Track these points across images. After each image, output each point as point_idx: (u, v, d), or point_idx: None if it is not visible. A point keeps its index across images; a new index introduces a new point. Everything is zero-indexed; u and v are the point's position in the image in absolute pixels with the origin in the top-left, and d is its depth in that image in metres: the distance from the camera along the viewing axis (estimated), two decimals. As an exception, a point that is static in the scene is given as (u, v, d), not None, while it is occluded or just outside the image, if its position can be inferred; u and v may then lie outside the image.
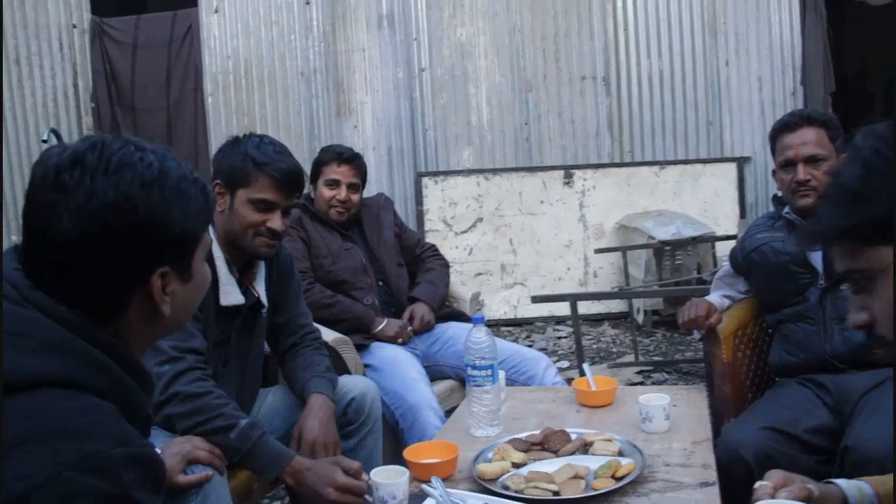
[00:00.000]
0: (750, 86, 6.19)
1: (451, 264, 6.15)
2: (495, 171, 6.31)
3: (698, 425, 2.21)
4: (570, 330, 5.92)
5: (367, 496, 1.91)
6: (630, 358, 4.94)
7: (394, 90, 6.46)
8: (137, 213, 1.08)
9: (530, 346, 5.53)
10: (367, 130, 6.53)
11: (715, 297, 2.64)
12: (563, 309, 5.93)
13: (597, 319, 6.10)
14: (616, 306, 5.92)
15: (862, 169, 0.99)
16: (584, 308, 6.06)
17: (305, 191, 3.29)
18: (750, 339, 2.59)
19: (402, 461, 2.00)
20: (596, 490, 1.80)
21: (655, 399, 2.20)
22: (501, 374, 2.53)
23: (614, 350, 5.38)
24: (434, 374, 3.04)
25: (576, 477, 1.85)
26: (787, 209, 2.50)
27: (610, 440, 2.04)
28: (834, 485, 1.26)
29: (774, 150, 2.50)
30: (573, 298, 3.44)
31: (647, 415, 2.18)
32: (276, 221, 2.23)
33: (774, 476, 1.25)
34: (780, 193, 2.56)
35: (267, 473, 2.02)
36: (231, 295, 2.24)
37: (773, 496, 1.22)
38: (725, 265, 2.75)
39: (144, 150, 1.13)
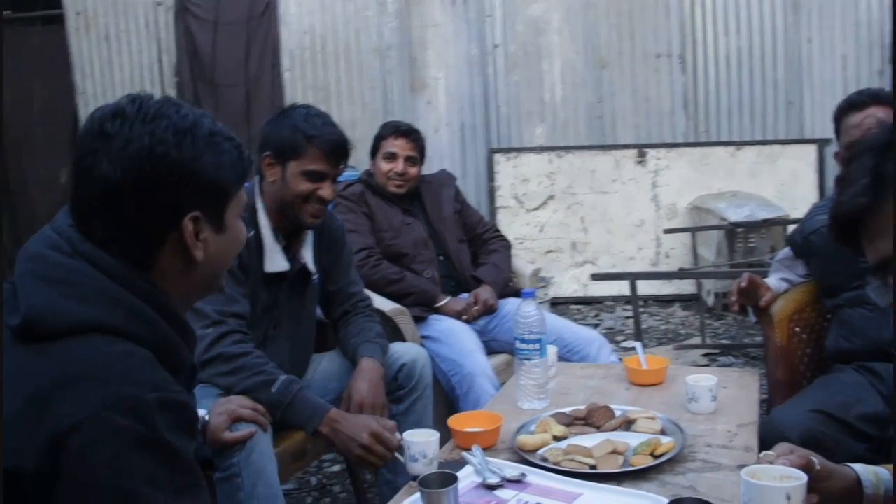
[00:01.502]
0: (833, 64, 6.01)
1: (521, 241, 6.24)
2: (567, 148, 6.28)
3: (746, 408, 2.20)
4: (640, 310, 5.89)
5: (397, 454, 2.01)
6: (697, 340, 4.89)
7: (467, 66, 6.47)
8: (170, 157, 1.16)
9: (597, 326, 5.55)
10: (440, 106, 6.57)
11: (773, 280, 2.60)
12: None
13: (667, 301, 6.04)
14: (687, 288, 5.85)
15: None
16: (655, 289, 6.02)
17: (366, 166, 3.37)
18: (808, 323, 2.55)
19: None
20: (633, 466, 1.82)
21: (703, 380, 2.20)
22: (552, 349, 2.56)
23: (682, 332, 5.32)
24: (490, 349, 3.08)
25: (614, 452, 1.87)
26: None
27: (653, 418, 2.05)
28: (849, 468, 1.25)
29: (839, 130, 2.43)
30: (632, 277, 3.43)
31: (694, 395, 2.17)
32: (326, 190, 2.31)
33: (781, 447, 1.25)
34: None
35: (307, 425, 2.12)
36: (275, 262, 2.32)
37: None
38: (786, 248, 2.70)
39: (181, 106, 1.21)
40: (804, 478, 1.18)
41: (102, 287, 1.13)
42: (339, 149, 2.33)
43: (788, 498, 1.16)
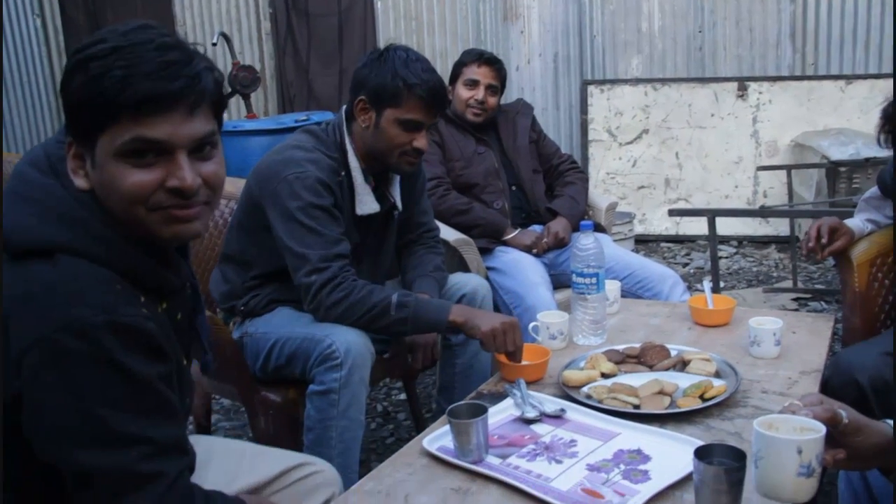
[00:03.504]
0: (961, -11, 5.53)
1: (613, 175, 6.09)
2: (664, 80, 6.04)
3: (813, 355, 2.09)
4: (733, 250, 5.70)
5: (535, 335, 2.21)
6: (789, 284, 4.69)
7: (562, -6, 6.27)
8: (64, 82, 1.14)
9: (686, 265, 5.39)
10: (533, 36, 6.40)
11: (857, 221, 2.45)
12: (727, 228, 5.70)
13: (763, 242, 5.81)
14: (784, 229, 5.60)
15: None
16: (751, 229, 5.81)
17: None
18: (891, 269, 2.39)
19: None
20: (678, 408, 1.75)
21: (767, 323, 2.10)
22: (613, 285, 2.49)
23: (774, 275, 5.12)
24: (559, 282, 3.02)
25: (660, 393, 1.81)
26: None
27: (708, 360, 1.97)
28: (887, 425, 1.16)
29: None
30: (711, 214, 3.28)
31: (756, 338, 2.08)
32: (421, 141, 2.25)
33: (809, 397, 1.16)
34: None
35: (438, 325, 2.15)
36: (366, 204, 2.30)
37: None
38: (874, 187, 2.53)
39: (114, 30, 1.14)
40: (822, 431, 1.09)
41: (69, 209, 1.14)
42: (439, 97, 2.25)
43: (800, 452, 1.08)
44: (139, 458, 1.11)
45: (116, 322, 1.08)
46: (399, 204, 2.42)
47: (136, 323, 1.10)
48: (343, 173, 2.26)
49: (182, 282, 1.31)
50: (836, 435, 1.14)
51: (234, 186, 2.73)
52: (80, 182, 1.16)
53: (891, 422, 1.16)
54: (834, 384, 1.95)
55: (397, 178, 2.42)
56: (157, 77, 1.10)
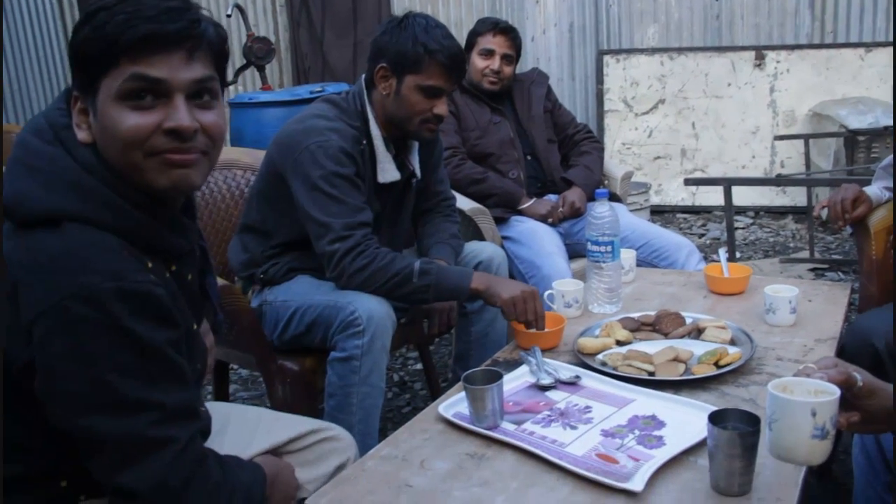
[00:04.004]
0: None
1: (629, 146, 6.06)
2: (681, 50, 5.99)
3: (829, 323, 2.08)
4: (750, 221, 5.67)
5: (552, 303, 2.23)
6: (805, 254, 4.67)
7: (578, -37, 6.21)
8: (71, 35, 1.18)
9: (703, 235, 5.37)
10: (548, 5, 6.35)
11: (875, 189, 2.43)
12: (743, 198, 5.67)
13: (781, 212, 5.78)
14: (802, 199, 5.56)
15: None
16: (768, 199, 5.78)
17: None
18: (909, 236, 2.38)
19: None
20: (693, 375, 1.76)
21: (783, 290, 2.09)
22: (629, 253, 2.49)
23: (791, 245, 5.10)
24: (575, 252, 3.02)
25: (675, 360, 1.82)
26: None
27: (723, 327, 1.98)
28: None
29: None
30: (727, 183, 3.26)
31: (771, 306, 2.08)
32: (442, 107, 2.25)
33: (824, 360, 1.17)
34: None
35: (460, 292, 2.17)
36: (388, 172, 2.31)
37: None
38: (892, 154, 2.50)
39: None
40: (836, 394, 1.10)
41: (75, 177, 1.15)
42: (459, 64, 2.25)
43: (814, 414, 1.09)
44: (149, 424, 1.12)
45: (125, 288, 1.09)
46: (418, 172, 2.43)
47: (144, 289, 1.11)
48: (365, 142, 2.26)
49: (191, 244, 1.32)
50: (850, 398, 1.15)
51: (251, 157, 2.74)
52: (82, 135, 1.18)
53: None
54: (850, 349, 1.95)
55: (416, 147, 2.42)
56: (156, 20, 1.13)
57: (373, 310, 2.07)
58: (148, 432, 1.13)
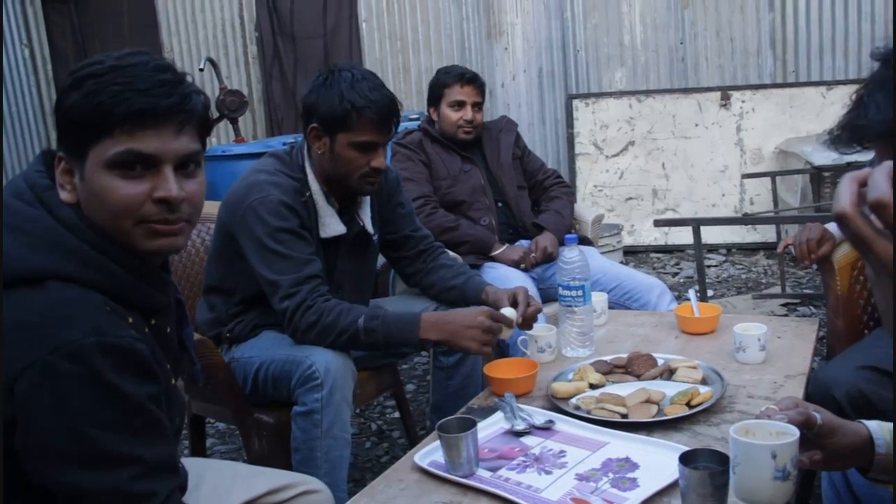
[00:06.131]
0: (937, -5, 5.62)
1: (601, 188, 6.13)
2: (648, 92, 6.11)
3: (798, 359, 2.12)
4: (722, 258, 5.74)
5: (525, 349, 2.25)
6: (777, 289, 4.73)
7: (544, 10, 6.34)
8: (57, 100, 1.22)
9: (676, 274, 5.43)
10: (517, 52, 6.47)
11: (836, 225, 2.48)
12: (715, 236, 5.75)
13: (752, 249, 5.86)
14: (772, 235, 5.65)
15: None
16: (739, 237, 5.85)
17: (425, 113, 3.35)
18: (873, 270, 2.42)
19: None
20: (666, 416, 1.78)
21: (752, 328, 2.13)
22: (601, 297, 2.52)
23: (763, 281, 5.16)
24: (548, 296, 3.05)
25: (648, 401, 1.84)
26: None
27: (695, 367, 2.00)
28: (863, 425, 1.19)
29: None
30: (696, 223, 3.32)
31: (741, 344, 2.11)
32: (379, 160, 2.24)
33: (784, 401, 1.19)
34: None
35: (412, 340, 2.15)
36: (331, 226, 2.29)
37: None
38: (854, 191, 2.56)
39: (108, 56, 1.22)
40: (796, 435, 1.12)
41: (57, 236, 1.17)
42: (389, 115, 2.21)
43: (774, 456, 1.11)
44: (130, 479, 1.13)
45: (107, 343, 1.10)
46: (370, 228, 2.40)
47: (126, 344, 1.13)
48: (308, 193, 2.26)
49: (168, 298, 1.34)
50: (811, 437, 1.17)
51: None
52: (65, 195, 1.21)
53: (866, 422, 1.19)
54: (815, 401, 1.97)
55: (366, 201, 2.40)
56: (151, 94, 1.17)
57: (330, 362, 2.07)
58: (130, 487, 1.14)
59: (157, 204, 1.20)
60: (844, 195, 0.72)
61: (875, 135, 0.86)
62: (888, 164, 0.72)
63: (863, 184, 0.72)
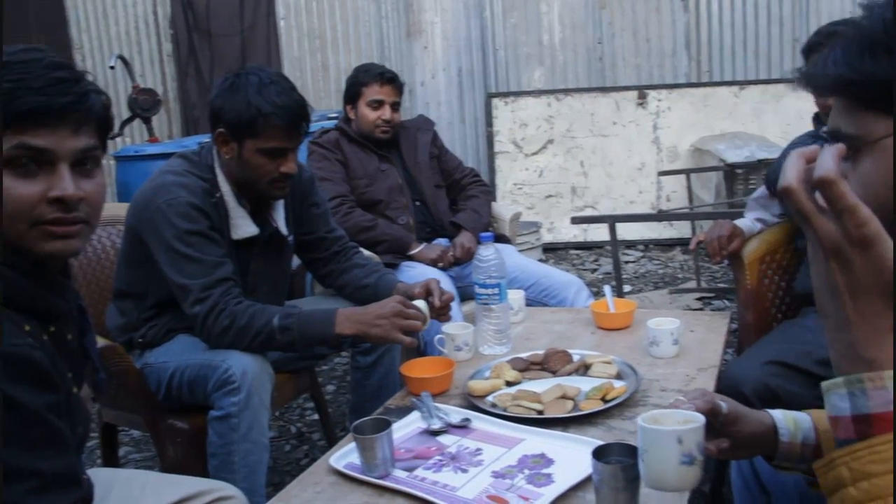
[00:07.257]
0: (842, -1, 5.84)
1: (521, 186, 6.18)
2: (567, 91, 6.18)
3: (710, 352, 2.16)
4: (640, 254, 5.85)
5: (442, 348, 2.23)
6: (693, 284, 4.84)
7: (464, 10, 6.36)
8: None
9: (595, 270, 5.50)
10: (437, 51, 6.47)
11: (747, 220, 2.55)
12: (632, 233, 5.86)
13: (668, 244, 5.98)
14: (688, 231, 5.79)
15: (890, 22, 0.84)
16: (656, 233, 5.97)
17: (342, 113, 3.32)
18: (780, 265, 2.50)
19: None
20: (581, 411, 1.79)
21: (664, 323, 2.16)
22: (517, 294, 2.53)
23: (680, 276, 5.27)
24: (467, 295, 3.05)
25: (563, 397, 1.85)
26: (825, 128, 2.36)
27: (609, 362, 2.02)
28: (767, 414, 1.21)
29: None
30: (611, 220, 3.38)
31: (654, 339, 2.14)
32: (289, 165, 2.18)
33: (693, 392, 1.22)
34: (819, 111, 2.43)
35: (328, 335, 2.12)
36: (242, 228, 2.23)
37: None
38: (762, 186, 2.64)
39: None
40: (701, 421, 1.14)
41: None
42: (298, 119, 2.15)
43: (680, 441, 1.13)
44: (27, 493, 1.08)
45: (1, 352, 1.05)
46: (284, 229, 2.35)
47: (22, 352, 1.08)
48: (218, 195, 2.20)
49: (69, 304, 1.28)
50: (717, 426, 1.19)
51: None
52: None
53: (770, 411, 1.22)
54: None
55: (279, 204, 2.36)
56: (44, 92, 1.12)
57: (247, 365, 2.03)
58: (27, 502, 1.08)
59: (52, 204, 1.15)
60: (791, 170, 0.75)
61: (827, 88, 0.91)
62: (839, 145, 0.75)
63: (810, 160, 0.75)
